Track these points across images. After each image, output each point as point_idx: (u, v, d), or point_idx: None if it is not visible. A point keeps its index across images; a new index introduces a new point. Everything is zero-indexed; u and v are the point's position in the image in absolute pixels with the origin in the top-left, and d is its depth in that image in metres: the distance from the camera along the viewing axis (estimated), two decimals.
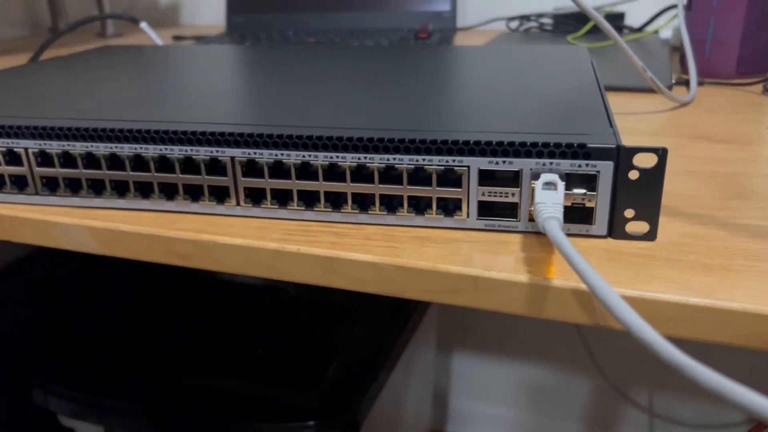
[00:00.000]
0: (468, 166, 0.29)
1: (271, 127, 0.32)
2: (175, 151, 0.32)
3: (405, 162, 0.30)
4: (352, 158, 0.30)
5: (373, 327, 0.69)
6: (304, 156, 0.31)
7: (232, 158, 0.32)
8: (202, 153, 0.32)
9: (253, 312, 0.74)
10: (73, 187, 0.34)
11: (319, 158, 0.31)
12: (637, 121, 0.47)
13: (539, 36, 0.87)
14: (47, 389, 0.65)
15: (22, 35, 1.05)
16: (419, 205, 0.31)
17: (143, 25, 0.66)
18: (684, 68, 0.63)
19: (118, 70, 0.48)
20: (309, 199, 0.32)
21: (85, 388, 0.64)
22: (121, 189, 0.34)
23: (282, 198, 0.32)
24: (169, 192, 0.33)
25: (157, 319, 0.74)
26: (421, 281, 0.28)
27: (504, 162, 0.29)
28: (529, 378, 1.18)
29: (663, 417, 1.11)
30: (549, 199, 0.26)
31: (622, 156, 0.27)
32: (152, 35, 0.66)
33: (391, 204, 0.31)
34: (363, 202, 0.31)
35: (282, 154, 0.31)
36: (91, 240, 0.33)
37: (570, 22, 0.90)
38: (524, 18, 0.94)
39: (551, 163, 0.28)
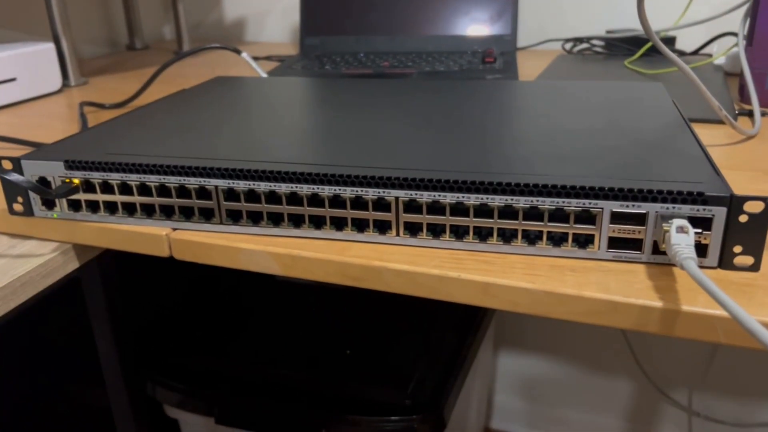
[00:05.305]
0: (602, 208, 0.35)
1: (429, 172, 0.38)
2: (347, 192, 0.39)
3: (547, 204, 0.36)
4: (500, 199, 0.37)
5: (452, 330, 0.75)
6: (458, 197, 0.37)
7: (397, 198, 0.38)
8: (371, 193, 0.38)
9: (339, 315, 0.81)
10: (254, 218, 0.41)
11: (471, 199, 0.37)
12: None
13: (595, 58, 0.93)
14: (158, 381, 0.73)
15: (102, 53, 1.12)
16: (556, 239, 0.37)
17: (244, 55, 0.73)
18: (743, 98, 0.69)
19: (259, 107, 0.54)
20: (460, 233, 0.38)
21: (192, 381, 0.72)
22: (297, 221, 0.41)
23: (436, 231, 0.39)
24: (339, 224, 0.40)
25: (258, 323, 0.81)
26: (567, 305, 0.34)
27: (633, 206, 0.35)
28: (574, 377, 1.24)
29: (702, 415, 1.17)
30: (683, 241, 0.32)
31: (734, 203, 0.34)
32: (255, 67, 0.72)
33: (530, 237, 0.37)
34: (507, 236, 0.38)
35: (439, 195, 0.38)
36: (273, 263, 0.40)
37: (623, 45, 0.95)
38: (578, 40, 1.00)
39: (674, 207, 0.34)
